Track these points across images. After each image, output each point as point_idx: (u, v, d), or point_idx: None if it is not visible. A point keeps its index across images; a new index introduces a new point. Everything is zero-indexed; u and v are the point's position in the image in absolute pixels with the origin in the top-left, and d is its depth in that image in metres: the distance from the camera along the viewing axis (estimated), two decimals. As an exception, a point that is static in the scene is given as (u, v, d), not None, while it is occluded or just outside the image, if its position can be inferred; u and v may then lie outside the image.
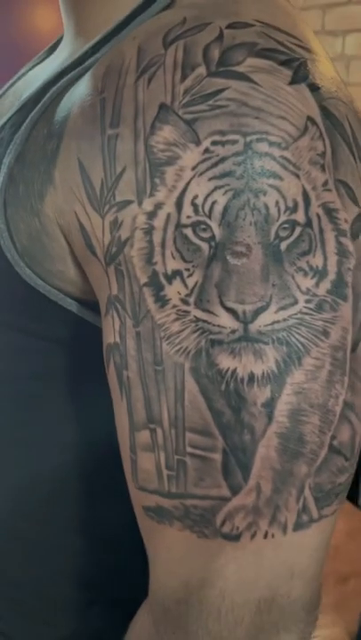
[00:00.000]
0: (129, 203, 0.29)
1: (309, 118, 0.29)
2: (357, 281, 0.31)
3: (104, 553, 0.45)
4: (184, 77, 0.29)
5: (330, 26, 2.04)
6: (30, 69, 0.50)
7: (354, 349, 0.31)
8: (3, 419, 0.43)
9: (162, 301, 0.30)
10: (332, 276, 0.30)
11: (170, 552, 0.33)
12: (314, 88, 0.30)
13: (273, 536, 0.31)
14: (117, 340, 0.32)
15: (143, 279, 0.30)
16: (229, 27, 0.30)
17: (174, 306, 0.30)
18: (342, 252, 0.30)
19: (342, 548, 1.16)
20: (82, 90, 0.33)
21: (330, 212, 0.29)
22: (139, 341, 0.31)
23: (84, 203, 0.31)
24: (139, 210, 0.29)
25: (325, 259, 0.29)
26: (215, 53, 0.29)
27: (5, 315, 0.39)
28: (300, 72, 0.29)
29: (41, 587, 0.47)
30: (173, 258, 0.29)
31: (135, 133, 0.29)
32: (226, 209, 0.28)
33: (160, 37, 0.30)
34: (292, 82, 0.29)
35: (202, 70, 0.28)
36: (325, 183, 0.29)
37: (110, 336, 0.32)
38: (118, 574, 0.45)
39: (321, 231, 0.29)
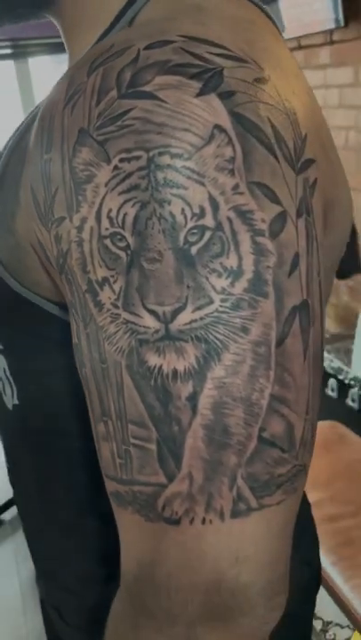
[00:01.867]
0: (63, 219, 0.33)
1: (217, 126, 0.30)
2: (280, 278, 0.31)
3: (115, 536, 0.49)
4: (98, 102, 0.31)
5: None
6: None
7: (280, 344, 0.32)
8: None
9: (99, 306, 0.33)
10: (248, 275, 0.31)
11: (127, 534, 0.36)
12: (226, 96, 0.31)
13: (211, 522, 0.33)
14: (76, 340, 0.36)
15: (84, 286, 0.33)
16: (147, 47, 0.32)
17: (108, 309, 0.32)
18: (259, 252, 0.31)
19: None
20: (37, 118, 0.37)
21: (243, 213, 0.30)
22: (89, 342, 0.34)
23: (37, 221, 0.35)
24: (70, 225, 0.32)
25: (240, 259, 0.31)
26: (127, 76, 0.31)
27: (5, 315, 0.44)
28: (210, 83, 0.31)
29: (67, 560, 0.53)
30: (100, 266, 0.32)
31: (62, 156, 0.32)
32: (136, 219, 0.30)
33: (87, 66, 0.33)
34: (200, 93, 0.30)
35: (113, 93, 0.31)
36: (236, 187, 0.30)
37: (74, 337, 0.36)
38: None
39: (234, 233, 0.30)
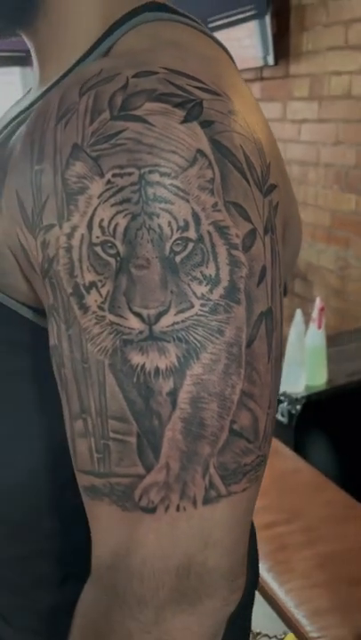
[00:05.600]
0: (52, 226, 0.35)
1: (199, 151, 0.34)
2: (250, 287, 0.35)
3: (76, 533, 0.51)
4: (92, 121, 0.34)
5: (353, 41, 2.06)
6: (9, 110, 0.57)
7: (249, 345, 0.35)
8: None
9: (84, 308, 0.35)
10: (224, 283, 0.34)
11: (101, 524, 0.38)
12: (206, 125, 0.35)
13: (185, 509, 0.36)
14: (56, 342, 0.38)
15: (69, 290, 0.35)
16: (135, 76, 0.35)
17: (93, 312, 0.35)
18: (234, 263, 0.35)
19: (355, 553, 1.17)
20: (22, 130, 0.39)
21: (221, 228, 0.34)
22: (70, 343, 0.36)
23: (22, 227, 0.37)
24: (60, 232, 0.35)
25: (218, 269, 0.34)
26: (118, 100, 0.34)
27: None
28: (193, 112, 0.34)
29: (21, 565, 0.53)
30: (89, 271, 0.34)
31: (54, 168, 0.35)
32: (126, 229, 0.33)
33: (78, 87, 0.36)
34: (184, 120, 0.34)
35: (106, 115, 0.34)
36: (215, 205, 0.34)
37: (52, 339, 0.38)
38: (88, 552, 0.51)
39: (213, 245, 0.34)
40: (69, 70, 0.43)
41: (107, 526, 0.38)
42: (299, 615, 1.02)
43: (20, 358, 0.45)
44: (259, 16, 2.31)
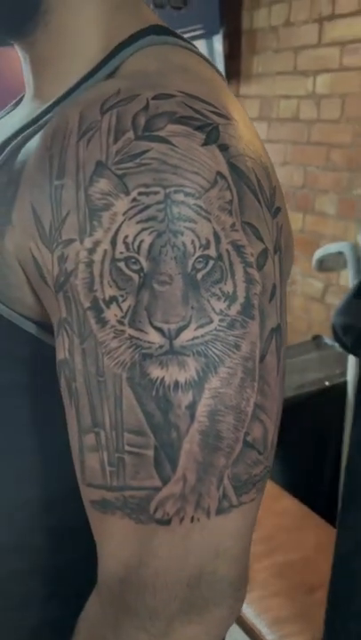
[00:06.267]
0: (72, 241, 0.36)
1: (219, 173, 0.35)
2: (263, 304, 0.37)
3: (61, 552, 0.50)
4: (116, 140, 0.35)
5: (302, 67, 2.15)
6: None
7: (262, 360, 0.37)
8: None
9: (102, 322, 0.36)
10: (241, 299, 0.36)
11: (113, 538, 0.38)
12: (223, 148, 0.36)
13: (198, 520, 0.37)
14: (67, 356, 0.38)
15: (86, 304, 0.36)
16: (155, 98, 0.36)
17: (112, 326, 0.35)
18: (249, 280, 0.36)
19: (311, 561, 1.21)
20: (35, 145, 0.39)
21: (238, 247, 0.36)
22: (84, 357, 0.37)
23: (37, 240, 0.37)
24: (80, 247, 0.35)
25: (235, 286, 0.36)
26: (142, 121, 0.35)
27: None
28: (211, 135, 0.36)
29: (6, 583, 0.52)
30: (110, 286, 0.35)
31: (77, 184, 0.35)
32: (151, 246, 0.34)
33: (98, 105, 0.37)
34: (205, 143, 0.35)
35: (130, 135, 0.35)
36: (233, 225, 0.36)
37: (61, 353, 0.38)
38: (75, 569, 0.50)
39: (231, 263, 0.36)
40: (76, 85, 0.43)
41: (118, 539, 0.38)
42: (260, 625, 1.04)
43: (16, 373, 0.45)
44: (207, 36, 2.38)
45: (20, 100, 0.56)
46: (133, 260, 0.34)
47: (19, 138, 0.43)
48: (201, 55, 0.47)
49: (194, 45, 0.48)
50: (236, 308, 0.36)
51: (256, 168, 0.38)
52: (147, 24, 0.45)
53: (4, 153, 0.43)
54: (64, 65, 0.45)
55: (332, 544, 0.90)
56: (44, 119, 0.42)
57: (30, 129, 0.43)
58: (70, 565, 0.50)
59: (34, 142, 0.40)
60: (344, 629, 0.91)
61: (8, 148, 0.43)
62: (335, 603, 0.93)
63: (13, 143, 0.43)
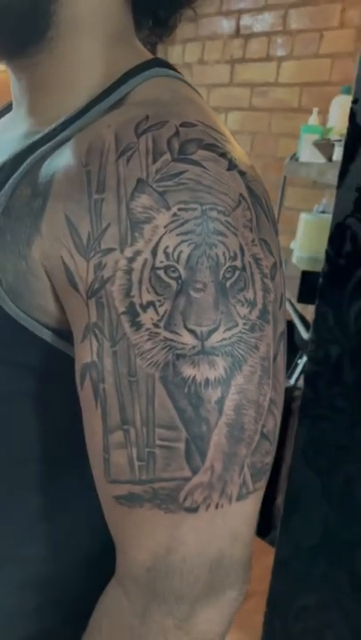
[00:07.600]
0: (112, 250, 0.38)
1: (241, 195, 0.40)
2: (275, 310, 0.42)
3: (47, 564, 0.51)
4: (155, 160, 0.39)
5: (214, 103, 2.28)
6: None
7: (274, 359, 0.42)
8: None
9: (136, 325, 0.38)
10: (259, 305, 0.41)
11: (140, 529, 0.40)
12: (241, 173, 0.41)
13: (222, 506, 0.40)
14: (95, 359, 0.40)
15: (121, 309, 0.39)
16: (182, 125, 0.40)
17: (147, 329, 0.38)
18: (266, 289, 0.41)
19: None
20: (64, 160, 0.41)
21: (257, 260, 0.41)
22: (115, 359, 0.39)
23: (71, 249, 0.40)
24: (120, 255, 0.38)
25: (255, 293, 0.40)
26: (176, 145, 0.39)
27: None
28: (232, 162, 0.41)
29: (0, 593, 0.52)
30: (148, 292, 0.38)
31: (118, 199, 0.38)
32: (189, 256, 0.38)
33: (132, 128, 0.40)
34: (229, 168, 0.40)
35: (168, 157, 0.39)
36: (253, 240, 0.41)
37: (87, 357, 0.40)
38: (60, 581, 0.52)
39: (252, 274, 0.40)
40: (87, 107, 0.45)
41: (146, 530, 0.40)
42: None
43: (22, 381, 0.46)
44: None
45: (8, 107, 0.57)
46: (173, 269, 0.38)
47: (36, 152, 0.45)
48: (194, 88, 0.53)
49: (182, 75, 0.53)
50: (255, 313, 0.40)
51: (263, 192, 0.43)
52: (147, 57, 0.50)
53: (23, 166, 0.44)
54: (68, 88, 0.48)
55: (264, 553, 0.95)
56: (62, 135, 0.45)
57: (46, 145, 0.45)
58: (52, 580, 0.51)
59: (60, 157, 0.42)
60: (284, 630, 0.97)
61: (26, 162, 0.44)
62: (274, 605, 0.98)
63: (31, 157, 0.45)
